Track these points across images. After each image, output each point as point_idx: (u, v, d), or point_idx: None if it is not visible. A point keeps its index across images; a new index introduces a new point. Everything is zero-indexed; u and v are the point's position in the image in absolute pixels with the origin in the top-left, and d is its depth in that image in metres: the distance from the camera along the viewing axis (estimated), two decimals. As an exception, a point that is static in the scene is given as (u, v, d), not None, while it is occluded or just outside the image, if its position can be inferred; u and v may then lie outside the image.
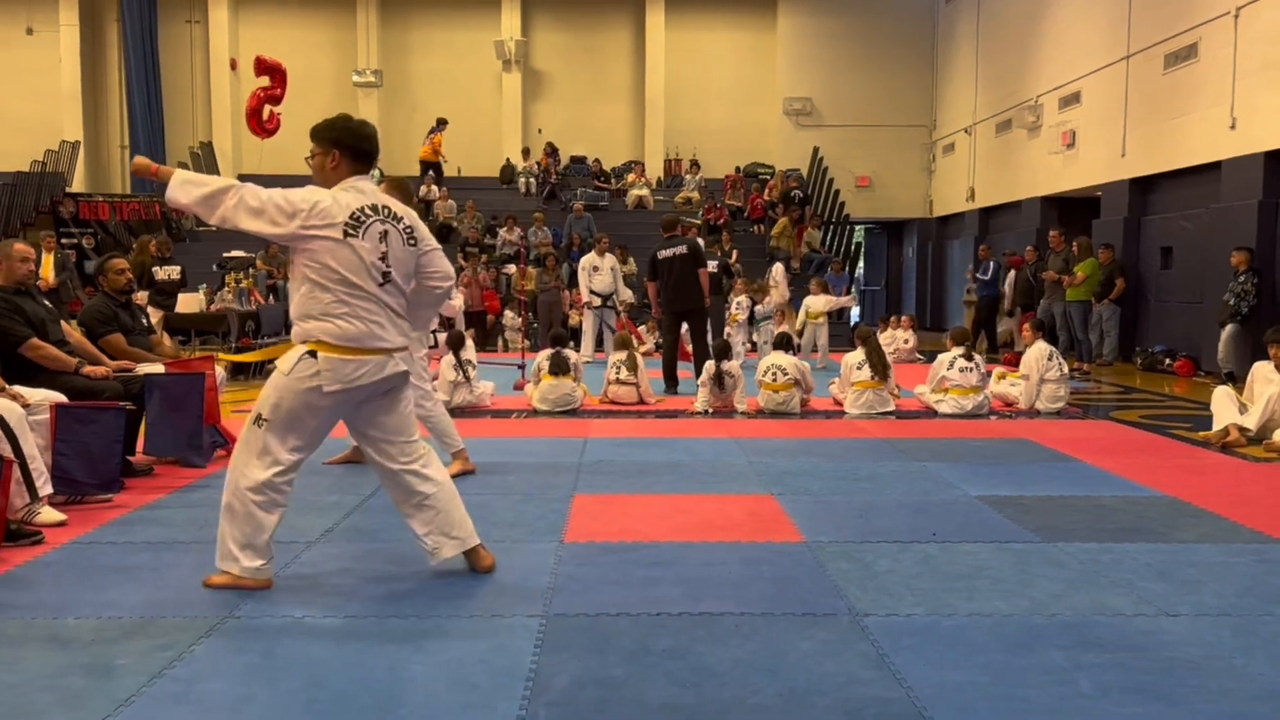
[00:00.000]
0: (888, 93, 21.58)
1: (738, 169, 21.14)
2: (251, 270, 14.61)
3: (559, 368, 8.55)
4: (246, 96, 20.09)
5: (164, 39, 21.08)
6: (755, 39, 21.97)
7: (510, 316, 15.68)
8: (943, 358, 8.70)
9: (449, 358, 8.47)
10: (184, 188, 3.47)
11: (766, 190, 20.19)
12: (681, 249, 9.78)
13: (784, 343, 8.98)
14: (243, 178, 20.38)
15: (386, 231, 3.60)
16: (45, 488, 4.57)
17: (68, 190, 19.57)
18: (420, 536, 3.83)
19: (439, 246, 3.89)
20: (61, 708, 2.68)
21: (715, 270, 11.77)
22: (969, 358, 8.56)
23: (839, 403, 8.81)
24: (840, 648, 3.14)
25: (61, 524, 4.51)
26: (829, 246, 18.78)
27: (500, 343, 15.49)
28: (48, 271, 12.18)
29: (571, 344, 9.84)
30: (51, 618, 3.37)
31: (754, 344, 13.28)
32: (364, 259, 3.52)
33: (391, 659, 3.03)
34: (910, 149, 21.78)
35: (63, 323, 5.86)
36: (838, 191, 20.10)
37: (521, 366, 10.49)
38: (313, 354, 3.53)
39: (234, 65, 20.81)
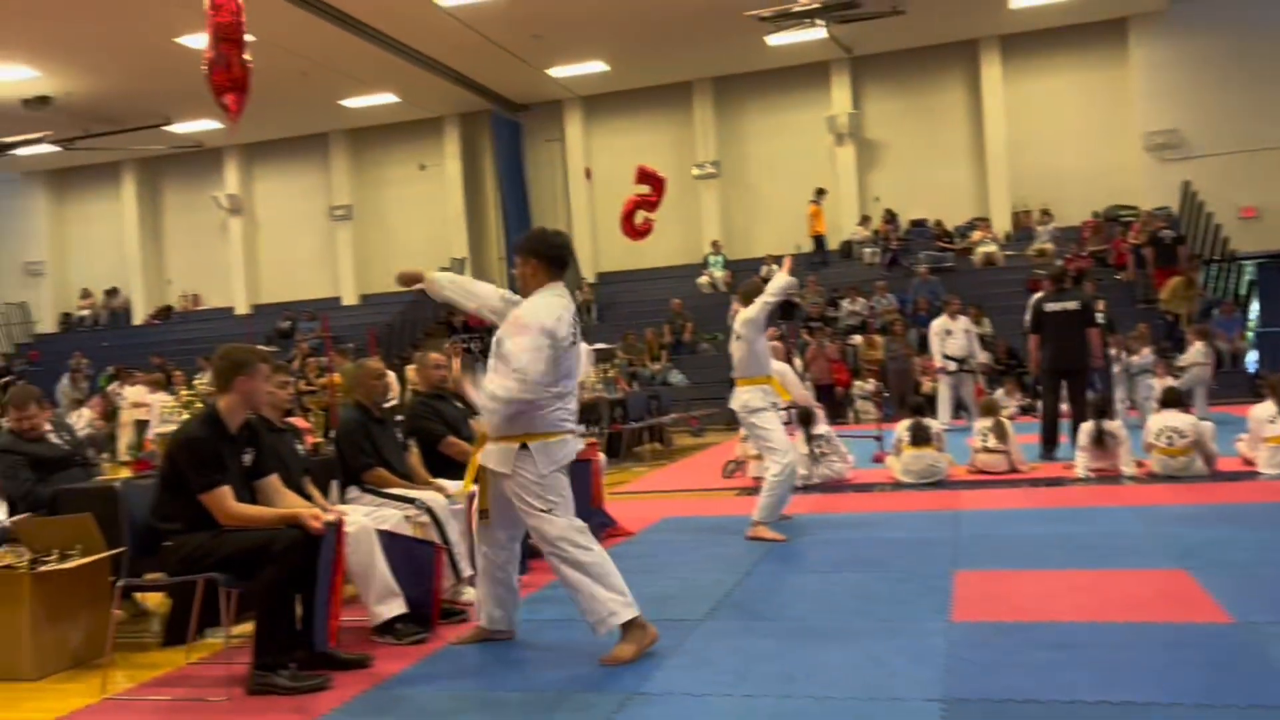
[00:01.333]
0: (1270, 111, 19.21)
1: (1095, 214, 19.66)
2: (615, 360, 15.64)
3: (920, 437, 8.30)
4: (601, 201, 21.77)
5: (529, 158, 23.45)
6: (1104, 75, 20.51)
7: (860, 387, 15.50)
8: (1381, 405, 7.46)
9: (800, 434, 8.50)
10: (450, 287, 4.21)
11: (1131, 233, 18.59)
12: (1072, 304, 9.18)
13: (1175, 400, 8.12)
14: (601, 275, 21.63)
15: (576, 329, 4.08)
16: (466, 569, 5.11)
17: (458, 301, 22.10)
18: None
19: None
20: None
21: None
22: None
23: (1249, 462, 7.79)
24: (1302, 748, 2.74)
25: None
26: (1212, 288, 16.84)
27: (851, 414, 15.33)
28: (457, 374, 13.76)
29: (927, 411, 9.53)
30: (485, 690, 3.74)
31: (1133, 401, 12.16)
32: (576, 360, 4.03)
33: (793, 740, 3.05)
34: (1305, 168, 19.16)
35: (471, 420, 6.60)
36: (1219, 226, 18.08)
37: (878, 438, 10.30)
38: (524, 446, 3.91)
39: (589, 174, 22.67)
